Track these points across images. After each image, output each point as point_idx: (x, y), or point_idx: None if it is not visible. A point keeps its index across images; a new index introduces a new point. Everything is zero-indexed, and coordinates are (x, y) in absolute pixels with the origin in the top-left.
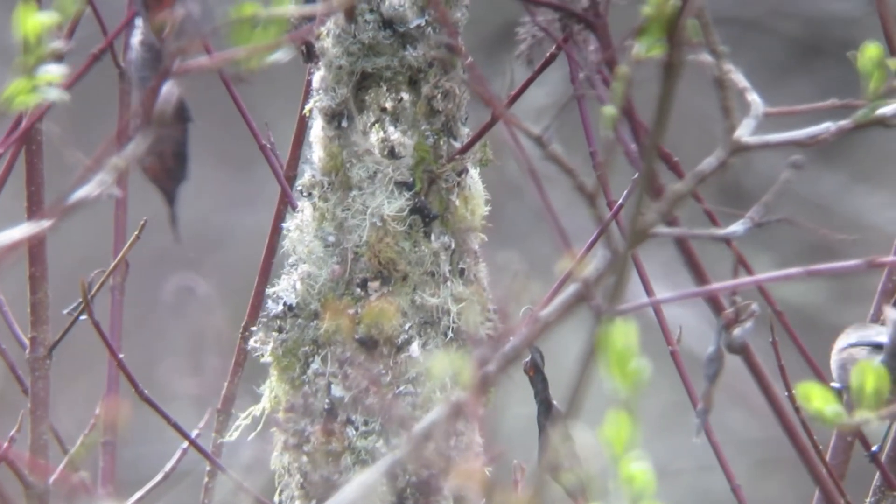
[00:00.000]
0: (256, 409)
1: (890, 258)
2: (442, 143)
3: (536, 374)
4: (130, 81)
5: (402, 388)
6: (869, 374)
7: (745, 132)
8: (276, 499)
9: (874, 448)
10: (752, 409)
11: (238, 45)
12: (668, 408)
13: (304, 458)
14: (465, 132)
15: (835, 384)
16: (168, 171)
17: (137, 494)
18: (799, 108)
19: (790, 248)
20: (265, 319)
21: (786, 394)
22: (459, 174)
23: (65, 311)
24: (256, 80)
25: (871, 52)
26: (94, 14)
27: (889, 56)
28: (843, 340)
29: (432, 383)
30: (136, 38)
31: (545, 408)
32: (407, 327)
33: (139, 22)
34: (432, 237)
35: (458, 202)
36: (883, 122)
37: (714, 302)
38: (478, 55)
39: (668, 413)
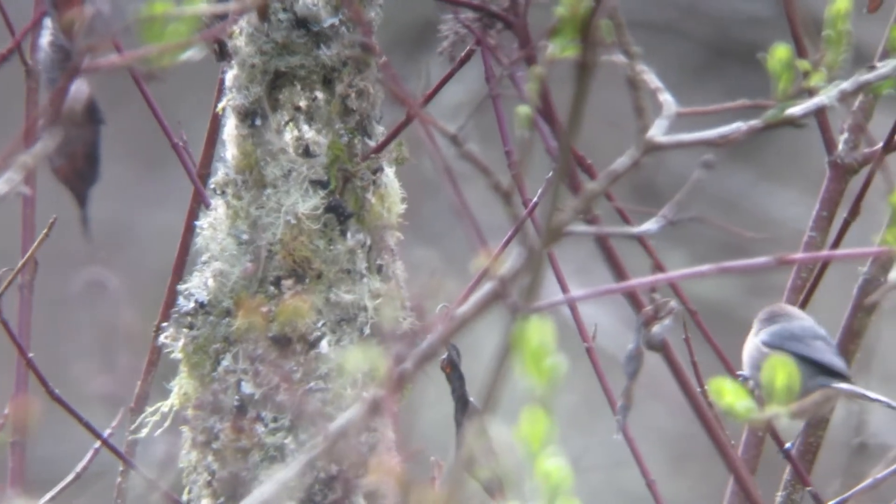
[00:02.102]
0: (165, 406)
1: (798, 255)
2: (356, 141)
3: (453, 372)
4: (39, 81)
5: (313, 385)
6: (779, 370)
7: (657, 132)
8: (184, 497)
9: (788, 445)
10: (667, 404)
11: (150, 42)
12: (584, 404)
13: (212, 456)
14: (380, 131)
15: (742, 373)
16: (78, 172)
17: (48, 495)
18: (710, 109)
19: (703, 245)
20: (176, 316)
21: (699, 389)
22: (374, 172)
23: None
24: (169, 77)
25: (780, 53)
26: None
27: (798, 57)
28: (763, 332)
29: (343, 380)
30: (45, 38)
31: (462, 405)
32: (320, 325)
33: (48, 22)
34: (348, 235)
35: (373, 200)
36: (792, 122)
37: (632, 299)
38: (394, 54)
39: (584, 409)
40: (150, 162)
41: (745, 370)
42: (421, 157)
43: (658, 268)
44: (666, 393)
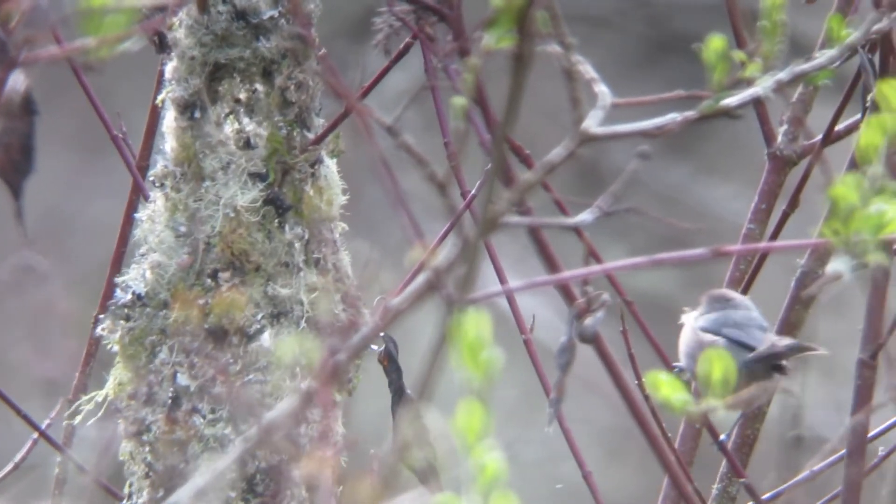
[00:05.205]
0: (100, 395)
1: (735, 247)
2: (295, 134)
3: (391, 364)
4: None
5: (251, 377)
6: (716, 363)
7: (592, 123)
8: (125, 489)
9: (722, 437)
10: (605, 397)
11: (88, 34)
12: (521, 396)
13: (148, 448)
14: (320, 123)
15: (678, 364)
16: (14, 164)
17: None
18: (646, 99)
19: (643, 238)
20: (113, 307)
21: (636, 382)
22: (313, 165)
23: None
24: (108, 69)
25: (715, 44)
26: None
27: (737, 49)
28: (698, 321)
29: (282, 372)
30: None
31: (399, 397)
32: (259, 317)
33: None
34: (286, 228)
35: (312, 192)
36: (727, 113)
37: (565, 291)
38: (339, 44)
39: (521, 401)
40: (90, 153)
41: (682, 359)
42: (362, 146)
43: (594, 257)
44: (603, 385)
